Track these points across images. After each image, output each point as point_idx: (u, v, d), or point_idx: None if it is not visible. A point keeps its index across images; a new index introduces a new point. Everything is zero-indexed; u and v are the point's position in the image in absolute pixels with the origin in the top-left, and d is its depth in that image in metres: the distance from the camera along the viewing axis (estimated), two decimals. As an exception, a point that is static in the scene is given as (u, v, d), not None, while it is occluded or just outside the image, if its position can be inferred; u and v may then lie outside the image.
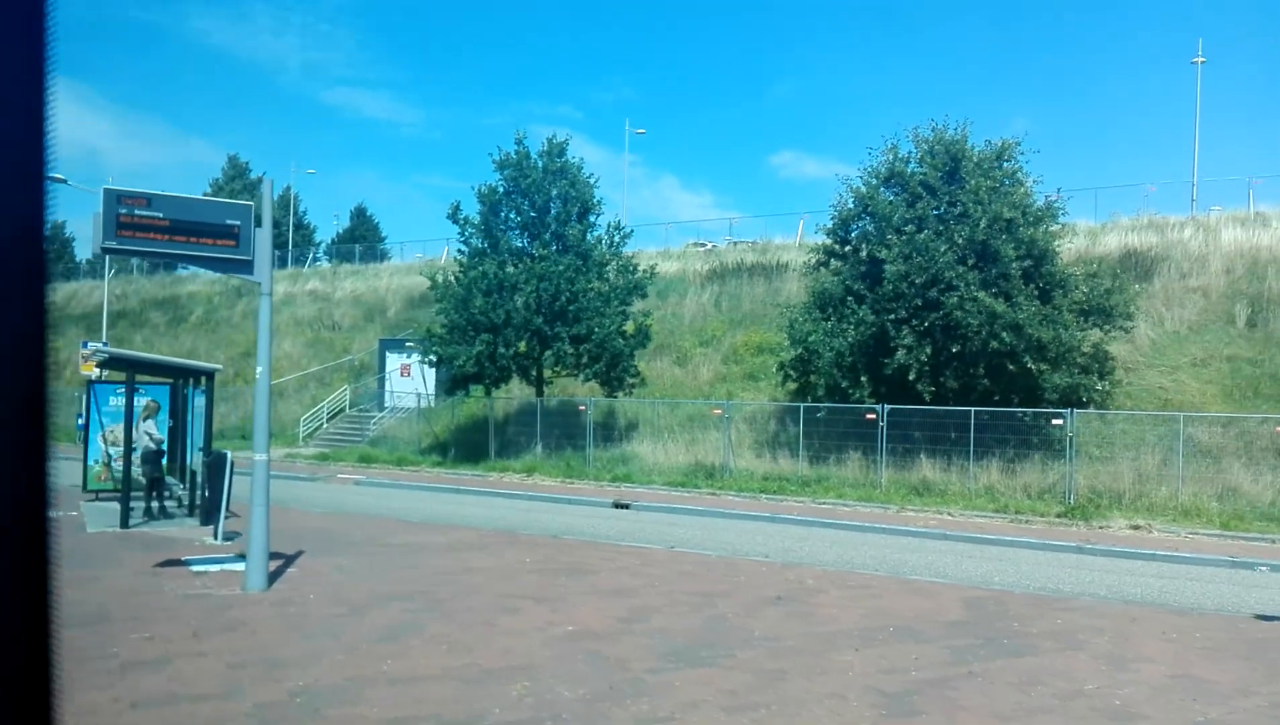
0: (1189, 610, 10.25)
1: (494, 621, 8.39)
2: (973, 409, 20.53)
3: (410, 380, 35.70)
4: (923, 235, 22.94)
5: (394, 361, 36.81)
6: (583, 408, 26.17)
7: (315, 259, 65.40)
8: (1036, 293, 22.54)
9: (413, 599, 9.24)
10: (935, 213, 23.56)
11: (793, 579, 11.07)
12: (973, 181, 23.38)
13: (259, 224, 9.53)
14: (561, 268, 25.28)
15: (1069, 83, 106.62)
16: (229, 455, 12.49)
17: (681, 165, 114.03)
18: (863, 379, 23.50)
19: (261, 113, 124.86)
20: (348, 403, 36.89)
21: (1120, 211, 38.10)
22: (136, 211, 8.89)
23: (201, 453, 13.83)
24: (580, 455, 25.38)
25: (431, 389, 34.68)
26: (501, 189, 27.08)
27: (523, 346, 25.70)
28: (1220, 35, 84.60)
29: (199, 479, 14.64)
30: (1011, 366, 21.99)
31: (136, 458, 14.05)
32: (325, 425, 35.45)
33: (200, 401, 14.30)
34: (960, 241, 22.63)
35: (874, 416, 21.45)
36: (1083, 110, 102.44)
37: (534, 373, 27.07)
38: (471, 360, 25.11)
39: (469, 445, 28.08)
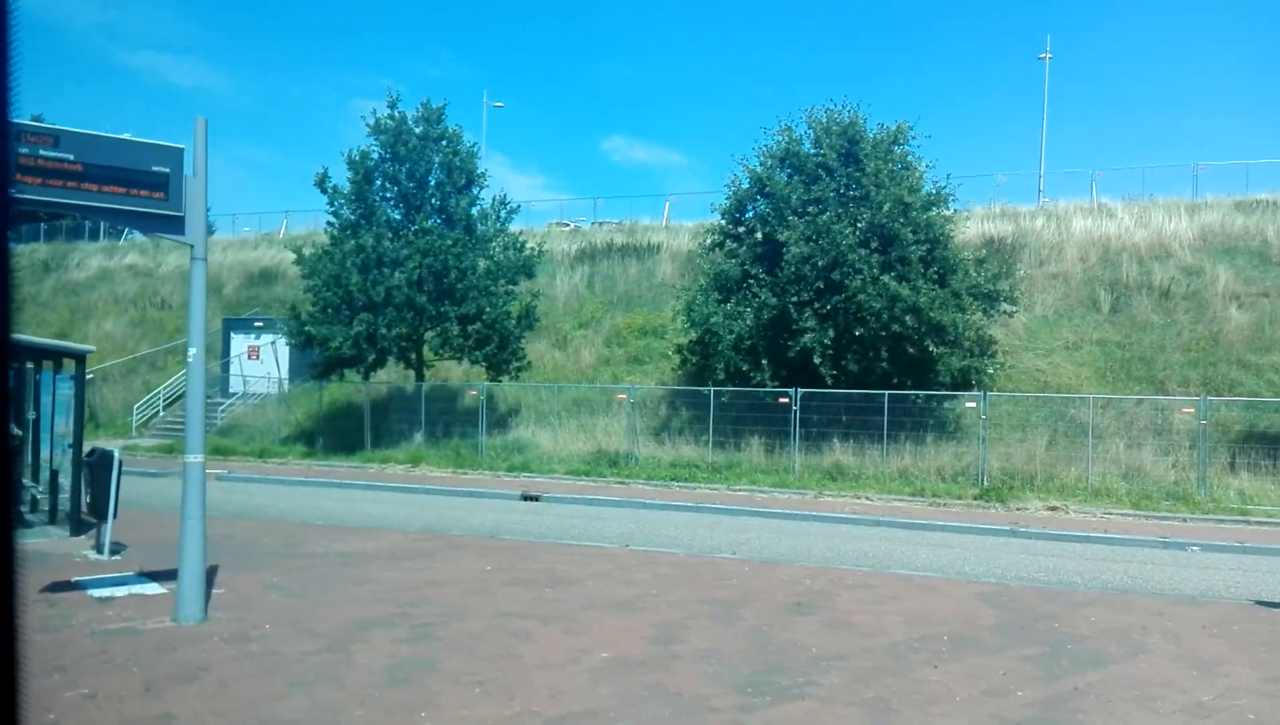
0: (1190, 599, 10.05)
1: (513, 651, 7.08)
2: (886, 393, 20.37)
3: (260, 363, 32.84)
4: (825, 217, 22.64)
5: (240, 343, 33.75)
6: (473, 393, 24.54)
7: (132, 231, 59.83)
8: (936, 277, 22.67)
9: (393, 625, 7.77)
10: (834, 194, 23.30)
11: (787, 580, 10.20)
12: (872, 165, 23.26)
13: (193, 172, 7.76)
14: (449, 242, 23.48)
15: (916, 74, 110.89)
16: (116, 453, 10.47)
17: (510, 145, 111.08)
18: (764, 362, 23.04)
19: (59, 74, 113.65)
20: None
21: (974, 201, 39.52)
22: (41, 152, 7.00)
23: (72, 449, 11.62)
24: (471, 444, 23.78)
25: (285, 373, 32.01)
26: (376, 155, 24.96)
27: (404, 327, 23.79)
28: (1066, 32, 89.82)
29: (61, 481, 12.40)
30: (911, 349, 22.02)
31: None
32: (162, 413, 32.09)
33: (66, 390, 12.02)
34: (862, 225, 22.46)
35: (786, 401, 20.96)
36: (931, 101, 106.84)
37: (413, 356, 25.16)
38: (349, 342, 22.99)
39: (339, 434, 25.90)
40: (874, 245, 22.45)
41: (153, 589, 8.95)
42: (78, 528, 11.72)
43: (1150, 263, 30.00)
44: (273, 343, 31.71)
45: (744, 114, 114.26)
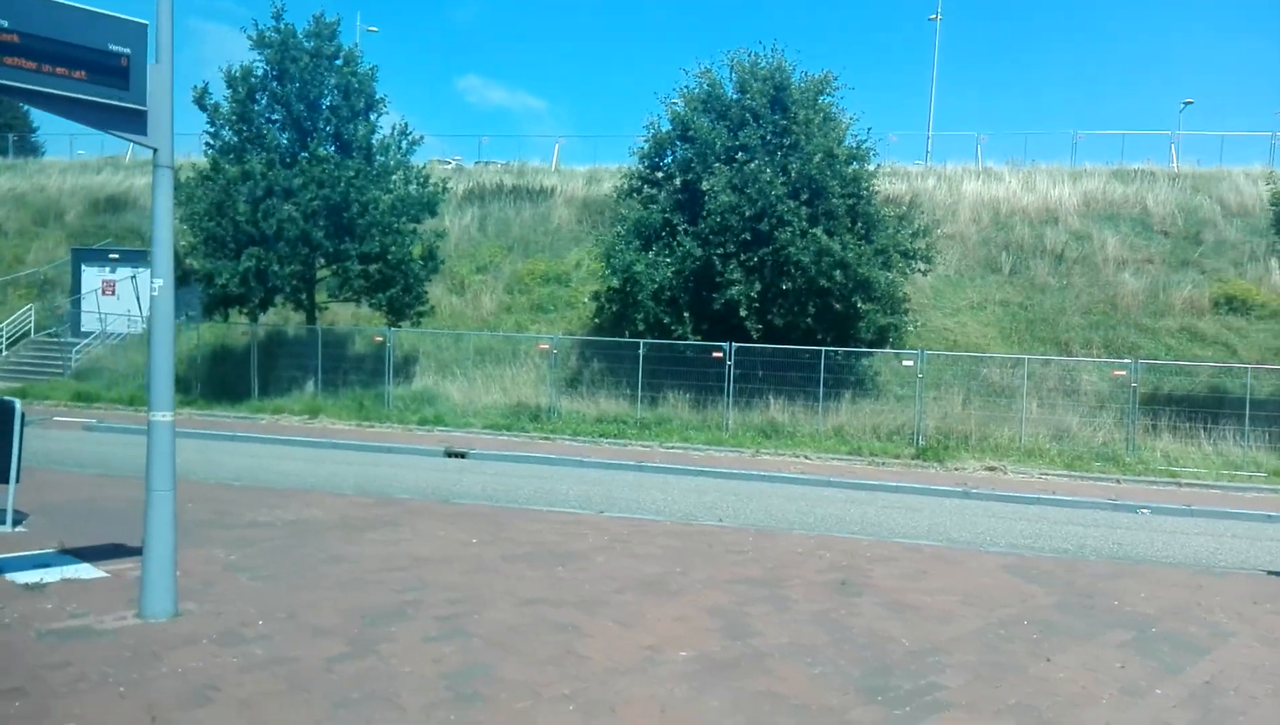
0: (1208, 570, 9.86)
1: (573, 650, 5.99)
2: (823, 350, 19.87)
3: (117, 300, 29.69)
4: (753, 165, 21.84)
5: (93, 277, 30.41)
6: (378, 338, 22.68)
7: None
8: (861, 233, 22.30)
9: (408, 617, 6.53)
10: (760, 142, 22.50)
11: (802, 552, 9.41)
12: (802, 113, 22.57)
13: (156, 59, 6.14)
14: (350, 173, 21.42)
15: (805, 26, 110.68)
16: (17, 404, 8.64)
17: None
18: (685, 315, 22.22)
19: None
20: (32, 326, 30.01)
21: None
22: (-31, 12, 5.30)
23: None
24: (374, 394, 22.02)
25: (145, 311, 29.02)
26: (261, 71, 22.47)
27: (297, 265, 21.67)
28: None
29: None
30: (837, 305, 21.61)
31: None
32: (5, 353, 28.62)
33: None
34: (792, 175, 21.78)
35: (720, 355, 20.18)
36: (818, 56, 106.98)
37: (304, 297, 23.04)
38: (236, 278, 20.75)
39: (219, 381, 23.59)
40: (804, 197, 21.83)
41: (87, 571, 7.35)
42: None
43: (1041, 227, 30.69)
44: (133, 277, 28.66)
45: (612, 63, 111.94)
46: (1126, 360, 19.72)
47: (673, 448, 18.73)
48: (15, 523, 8.74)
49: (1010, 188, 34.17)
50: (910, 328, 22.85)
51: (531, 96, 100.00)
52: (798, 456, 18.04)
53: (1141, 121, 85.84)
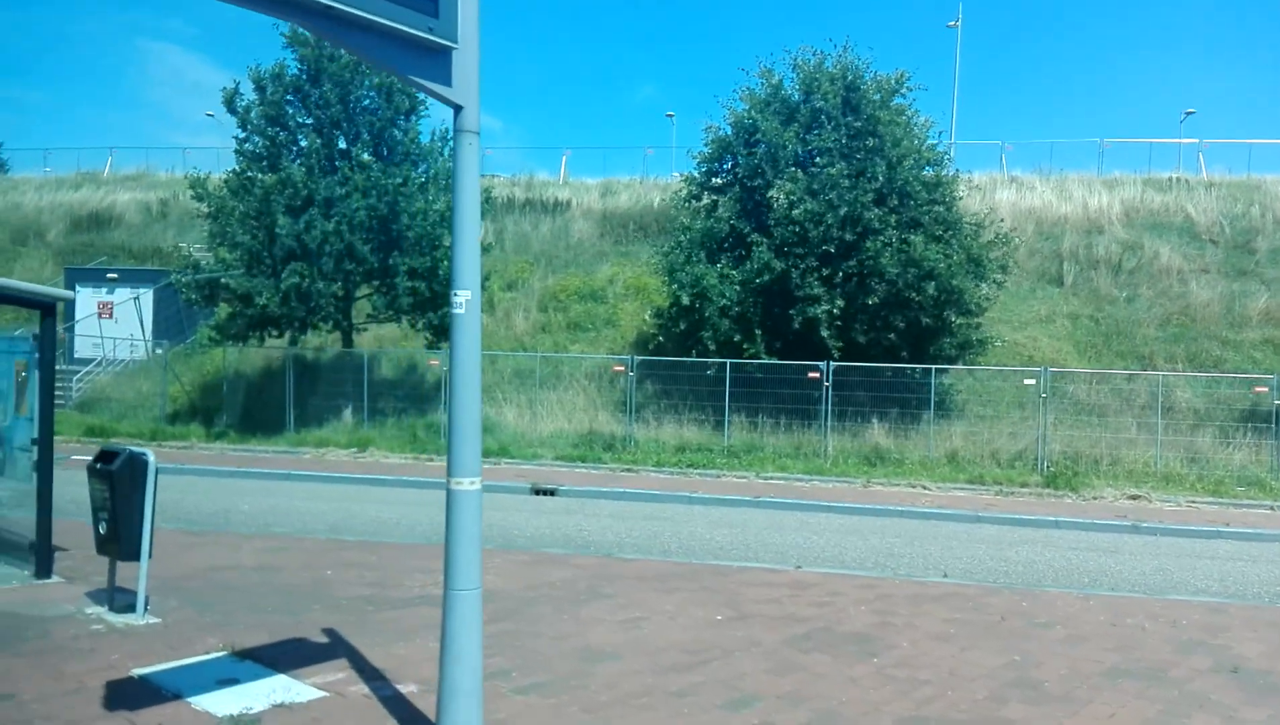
0: None
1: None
2: (932, 367, 18.32)
3: (115, 323, 27.32)
4: (833, 170, 20.28)
5: (88, 299, 27.96)
6: (434, 362, 20.68)
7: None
8: (951, 240, 20.82)
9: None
10: (837, 146, 20.93)
11: (1106, 619, 7.74)
12: (881, 114, 21.08)
13: (464, -18, 4.33)
14: (398, 181, 19.49)
15: (820, 32, 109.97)
16: (151, 459, 6.70)
17: None
18: (757, 332, 20.55)
19: None
20: (23, 352, 27.45)
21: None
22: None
23: (36, 446, 7.63)
24: (426, 423, 20.01)
25: (150, 333, 26.78)
26: (294, 71, 20.48)
27: (340, 282, 19.66)
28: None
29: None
30: (927, 319, 20.06)
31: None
32: (-6, 382, 26.08)
33: (20, 355, 7.93)
34: (880, 179, 20.27)
35: (817, 375, 18.51)
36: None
37: (342, 317, 20.97)
38: (277, 297, 18.68)
39: (250, 412, 21.41)
40: (892, 203, 20.32)
41: (296, 689, 5.42)
42: (43, 565, 7.76)
43: (1087, 236, 29.57)
44: (135, 298, 26.33)
45: (562, 81, 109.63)
46: (1270, 376, 18.33)
47: (771, 478, 17.01)
48: (147, 614, 6.78)
49: (1044, 197, 33.06)
50: (998, 342, 21.39)
51: (489, 116, 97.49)
52: (914, 487, 16.40)
53: (1143, 130, 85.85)
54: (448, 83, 4.31)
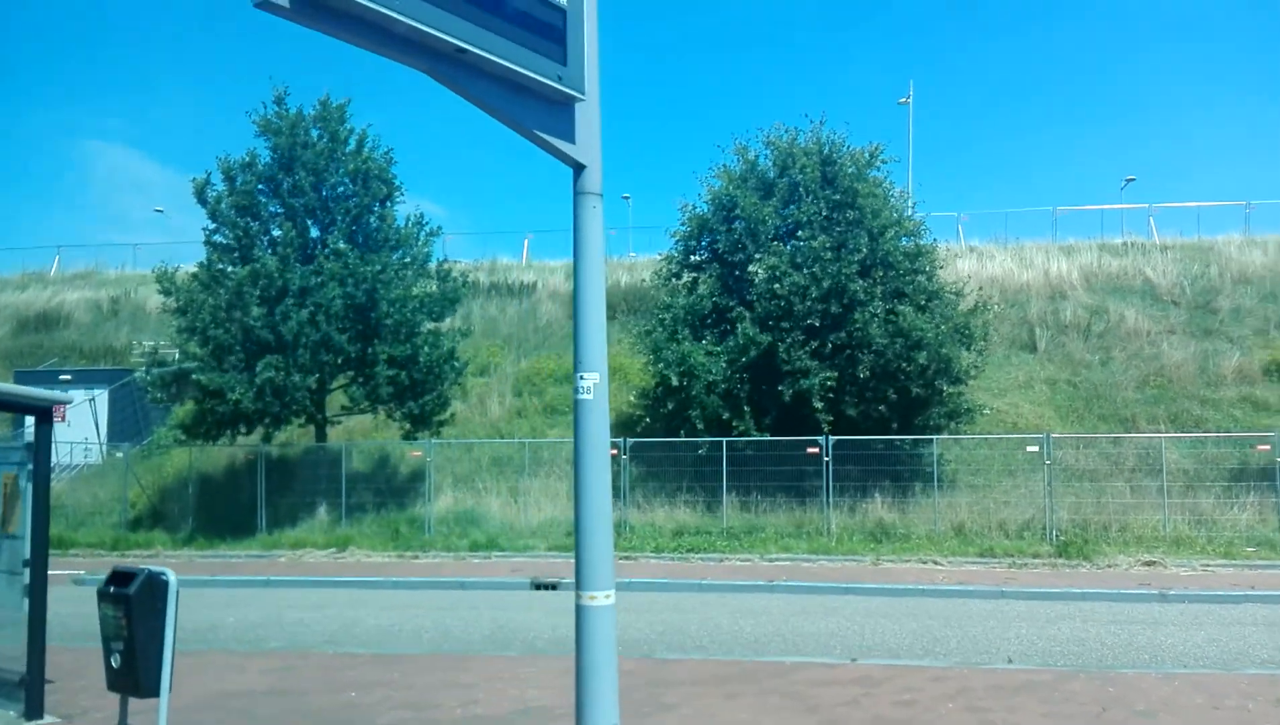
0: None
1: None
2: (934, 438, 17.98)
3: (68, 426, 26.02)
4: (816, 242, 20.20)
5: (36, 400, 26.64)
6: (416, 453, 19.86)
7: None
8: (936, 309, 20.74)
9: None
10: (817, 219, 20.89)
11: (1207, 701, 7.24)
12: (859, 186, 21.13)
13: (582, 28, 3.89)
14: (376, 268, 18.93)
15: (771, 111, 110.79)
16: (172, 580, 5.96)
17: None
18: (745, 409, 20.13)
19: None
20: (-32, 460, 26.01)
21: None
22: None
23: (30, 568, 6.81)
24: (407, 518, 19.10)
25: (105, 436, 25.57)
26: (267, 159, 19.99)
27: (317, 375, 18.88)
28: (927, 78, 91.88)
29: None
30: (917, 389, 19.83)
31: None
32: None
33: (9, 467, 7.13)
34: (863, 250, 20.21)
35: (816, 450, 18.06)
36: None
37: (316, 409, 20.11)
38: (251, 393, 17.83)
39: (215, 513, 20.26)
40: (877, 274, 20.24)
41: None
42: (34, 704, 6.87)
43: (1052, 302, 29.92)
44: (91, 399, 25.18)
45: (506, 166, 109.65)
46: (1270, 433, 18.27)
47: (776, 559, 16.41)
48: (173, 755, 5.96)
49: (1005, 265, 33.51)
50: (985, 410, 21.20)
51: (432, 204, 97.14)
52: (925, 563, 15.91)
53: (1087, 197, 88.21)
54: (570, 139, 3.84)
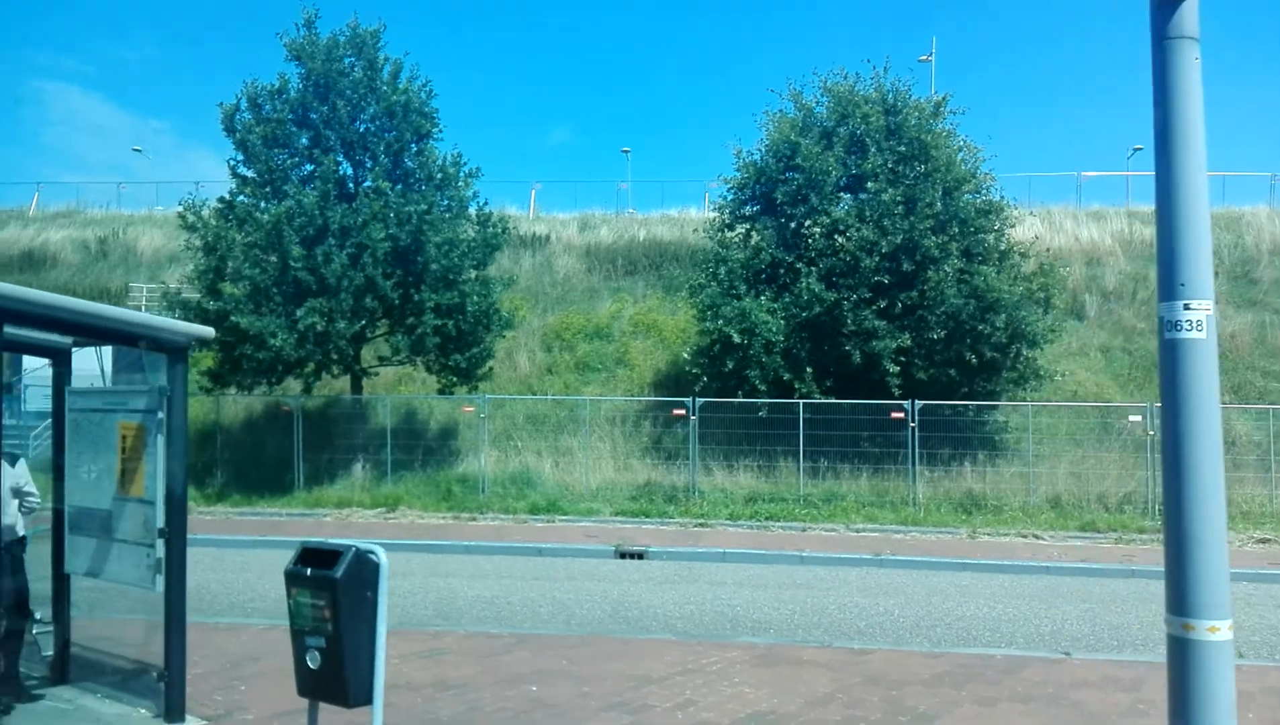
0: None
1: None
2: (1030, 404, 16.97)
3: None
4: (887, 195, 19.00)
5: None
6: (469, 408, 18.53)
7: None
8: (1008, 270, 19.66)
9: None
10: (884, 171, 19.67)
11: None
12: (927, 137, 19.91)
13: None
14: (423, 208, 17.46)
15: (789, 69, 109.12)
16: (384, 560, 4.71)
17: (215, 136, 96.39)
18: (808, 370, 19.01)
19: None
20: (-40, 406, 24.22)
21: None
22: None
23: (165, 534, 5.53)
24: (458, 477, 17.82)
25: (109, 382, 23.86)
26: (297, 87, 18.34)
27: (360, 321, 17.45)
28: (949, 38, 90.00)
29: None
30: (993, 353, 18.80)
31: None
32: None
33: (133, 415, 5.78)
34: (936, 205, 19.04)
35: (902, 414, 16.96)
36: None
37: (354, 360, 18.68)
38: (293, 339, 16.39)
39: (245, 467, 18.83)
40: (953, 231, 19.10)
41: None
42: (175, 704, 5.60)
43: (1090, 268, 29.01)
44: (96, 346, 23.42)
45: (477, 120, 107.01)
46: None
47: (863, 530, 15.36)
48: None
49: (1033, 229, 32.52)
50: (1057, 376, 20.23)
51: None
52: (1026, 537, 14.94)
53: (1095, 163, 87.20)
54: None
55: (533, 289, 29.99)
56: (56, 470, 6.52)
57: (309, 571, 4.69)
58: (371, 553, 4.68)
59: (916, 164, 19.67)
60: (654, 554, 13.51)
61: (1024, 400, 19.25)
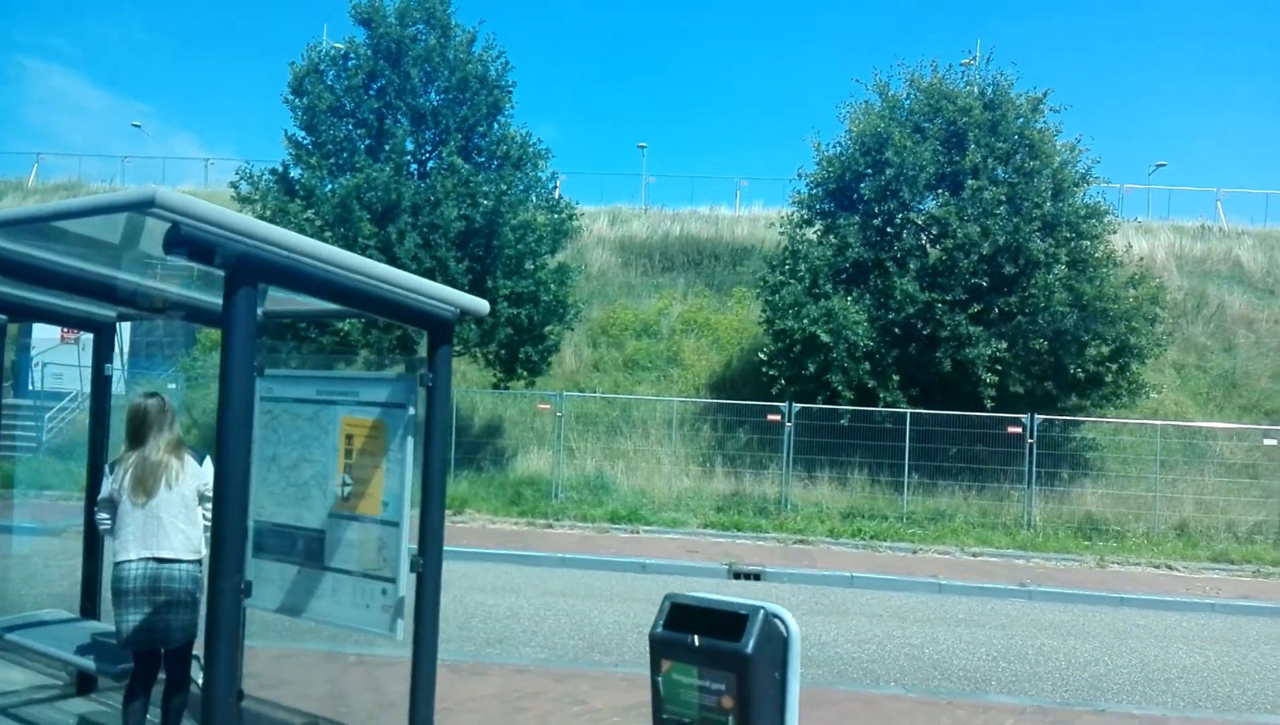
0: None
1: None
2: (1159, 423, 15.82)
3: (83, 349, 22.74)
4: (988, 194, 17.86)
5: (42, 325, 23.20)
6: (544, 406, 17.18)
7: None
8: (1111, 279, 18.56)
9: None
10: (984, 168, 18.54)
11: None
12: (1031, 133, 18.81)
13: None
14: (502, 188, 16.12)
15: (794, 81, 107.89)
16: (793, 625, 3.42)
17: (201, 121, 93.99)
18: (894, 377, 17.84)
19: None
20: (-28, 385, 22.57)
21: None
22: None
23: (415, 566, 4.22)
24: (528, 480, 16.48)
25: (127, 361, 22.38)
26: (369, 54, 16.94)
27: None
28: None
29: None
30: (1095, 367, 17.69)
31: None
32: None
33: (387, 410, 4.47)
34: (1042, 206, 17.93)
35: (1020, 430, 15.78)
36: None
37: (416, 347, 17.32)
38: (360, 325, 15.03)
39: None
40: (1061, 235, 17.98)
41: None
42: None
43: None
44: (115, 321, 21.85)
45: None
46: None
47: (980, 554, 14.17)
48: None
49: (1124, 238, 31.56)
50: (1153, 393, 19.13)
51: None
52: (1158, 567, 13.81)
53: (1175, 177, 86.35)
54: None
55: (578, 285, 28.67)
56: (91, 462, 5.74)
57: (695, 639, 3.38)
58: (777, 616, 3.39)
59: (1024, 161, 18.58)
60: (771, 575, 12.26)
61: (1119, 417, 18.19)
